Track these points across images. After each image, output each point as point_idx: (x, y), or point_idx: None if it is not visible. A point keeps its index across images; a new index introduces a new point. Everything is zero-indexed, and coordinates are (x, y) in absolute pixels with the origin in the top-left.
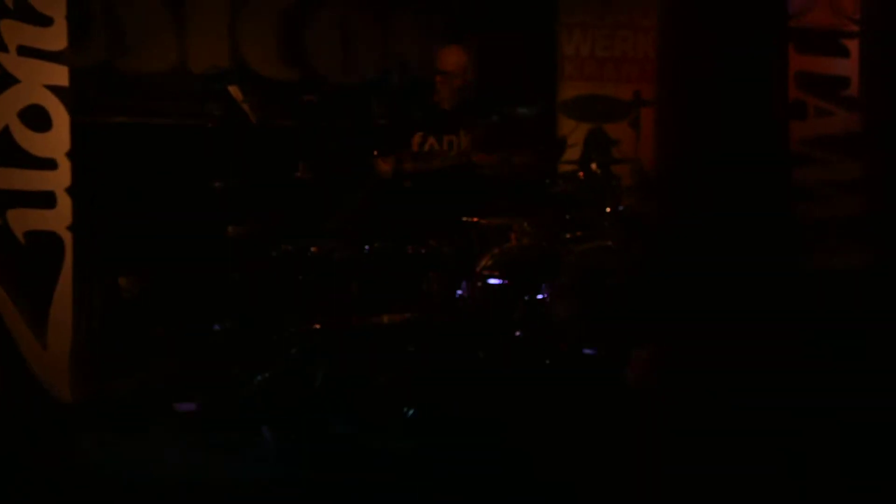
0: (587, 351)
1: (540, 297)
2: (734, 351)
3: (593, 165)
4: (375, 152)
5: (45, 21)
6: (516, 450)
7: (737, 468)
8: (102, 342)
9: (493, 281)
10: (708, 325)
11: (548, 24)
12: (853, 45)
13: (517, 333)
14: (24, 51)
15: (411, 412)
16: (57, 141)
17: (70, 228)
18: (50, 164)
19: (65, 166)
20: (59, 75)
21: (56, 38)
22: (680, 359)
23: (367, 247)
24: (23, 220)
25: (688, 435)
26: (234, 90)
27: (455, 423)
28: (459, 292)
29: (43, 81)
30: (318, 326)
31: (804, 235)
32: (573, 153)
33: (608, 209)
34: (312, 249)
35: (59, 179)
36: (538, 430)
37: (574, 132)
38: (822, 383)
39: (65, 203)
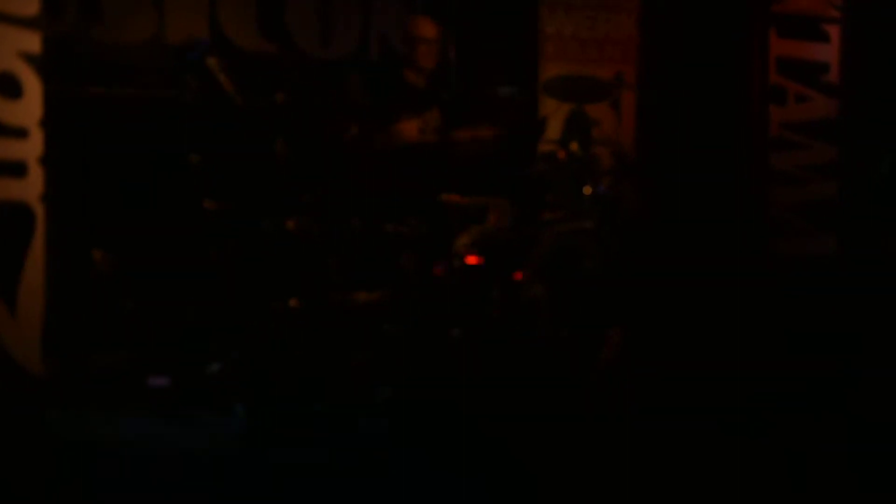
0: (562, 331)
1: (517, 277)
2: (704, 333)
3: (573, 146)
4: (354, 128)
5: None
6: (486, 433)
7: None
8: (74, 316)
9: (469, 260)
10: (678, 308)
11: (530, 2)
12: (834, 31)
13: (493, 313)
14: None
15: (384, 392)
16: (29, 109)
17: (42, 199)
18: (21, 133)
19: (37, 135)
20: (32, 42)
21: (28, 2)
22: (648, 340)
23: (343, 224)
24: None
25: (654, 414)
26: (211, 62)
27: (426, 404)
28: (436, 271)
29: (15, 48)
30: (293, 304)
31: (780, 219)
32: (553, 133)
33: (587, 190)
34: (289, 225)
35: (31, 148)
36: (509, 412)
37: (555, 113)
38: (782, 365)
39: (37, 173)
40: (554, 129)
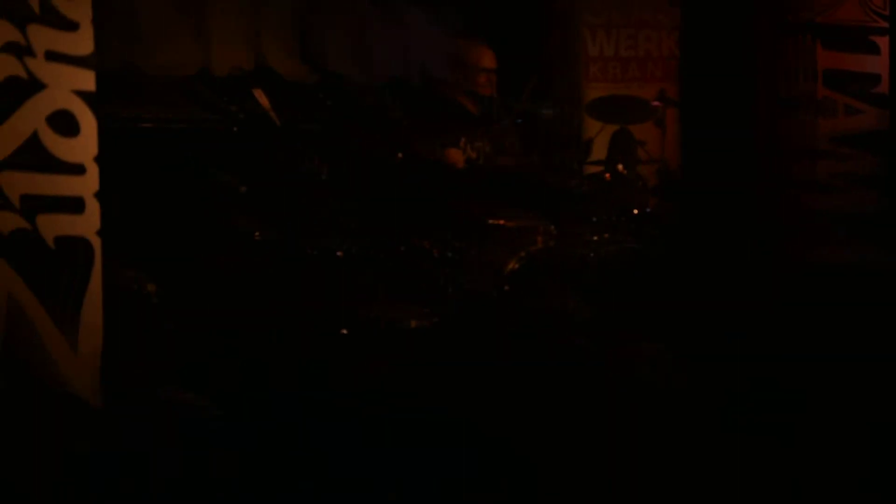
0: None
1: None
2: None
3: (619, 166)
4: (399, 153)
5: (72, 25)
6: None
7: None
8: (133, 349)
9: (519, 282)
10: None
11: (571, 24)
12: (883, 42)
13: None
14: (52, 55)
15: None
16: (85, 146)
17: (99, 233)
18: (78, 169)
19: (93, 171)
20: (86, 80)
21: (83, 42)
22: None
23: (391, 248)
24: (52, 226)
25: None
26: (258, 93)
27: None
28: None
29: (70, 86)
30: (345, 332)
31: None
32: (599, 154)
33: (634, 211)
34: (338, 254)
35: (88, 184)
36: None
37: (599, 133)
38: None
39: (93, 208)
40: (599, 150)
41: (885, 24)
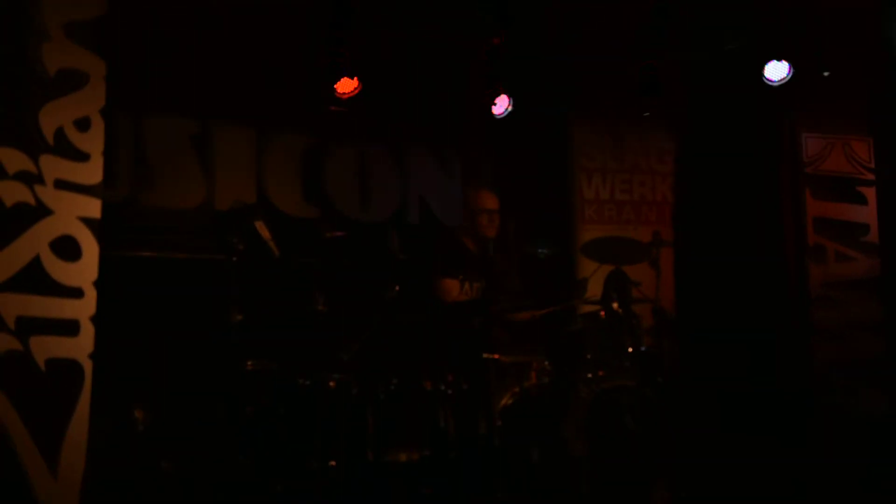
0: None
1: (559, 435)
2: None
3: (615, 304)
4: (396, 287)
5: (83, 157)
6: None
7: None
8: (114, 473)
9: (513, 419)
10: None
11: (566, 169)
12: (870, 193)
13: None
14: (61, 184)
15: None
16: (85, 270)
17: (91, 357)
18: (77, 293)
19: (91, 295)
20: (93, 208)
21: (92, 172)
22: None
23: (384, 382)
24: (45, 348)
25: None
26: (259, 225)
27: None
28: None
29: (76, 213)
30: (333, 464)
31: (827, 376)
32: (594, 292)
33: (629, 349)
34: (330, 384)
35: (85, 308)
36: None
37: (595, 273)
38: None
39: (88, 331)
40: (594, 289)
41: (871, 176)
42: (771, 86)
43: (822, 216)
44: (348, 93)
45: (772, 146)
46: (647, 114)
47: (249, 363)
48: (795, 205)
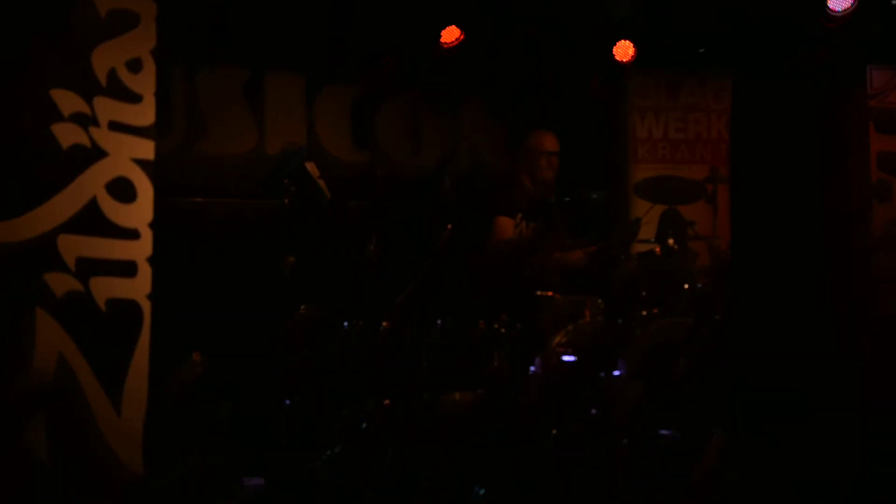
0: (663, 432)
1: (615, 373)
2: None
3: (670, 241)
4: (449, 227)
5: (135, 98)
6: None
7: None
8: (174, 415)
9: (566, 358)
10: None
11: (620, 108)
12: None
13: (592, 411)
14: (115, 126)
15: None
16: (141, 212)
17: (149, 297)
18: (133, 234)
19: (147, 236)
20: (146, 149)
21: (144, 114)
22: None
23: (438, 322)
24: (105, 288)
25: None
26: (310, 166)
27: None
28: (533, 369)
29: (130, 155)
30: (387, 403)
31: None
32: (649, 231)
33: (685, 286)
34: (384, 325)
35: (142, 249)
36: None
37: (648, 213)
38: None
39: (145, 272)
40: (648, 230)
41: None
42: (834, 16)
43: (886, 150)
44: (450, 42)
45: (834, 79)
46: (703, 49)
47: (302, 307)
48: (860, 139)
